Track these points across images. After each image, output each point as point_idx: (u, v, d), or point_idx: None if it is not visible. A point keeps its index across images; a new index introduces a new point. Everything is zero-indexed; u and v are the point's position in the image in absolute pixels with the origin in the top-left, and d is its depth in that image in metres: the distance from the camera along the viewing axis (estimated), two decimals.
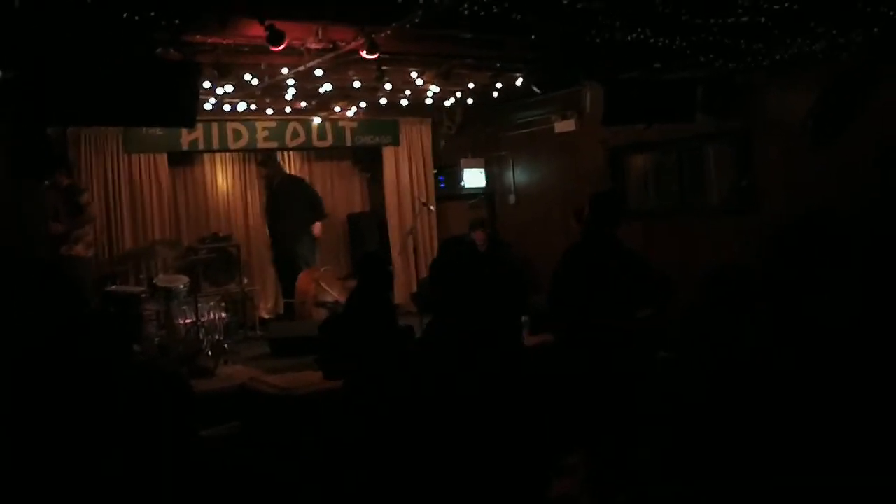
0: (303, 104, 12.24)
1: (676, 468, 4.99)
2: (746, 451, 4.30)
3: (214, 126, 12.71)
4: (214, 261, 12.45)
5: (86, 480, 3.67)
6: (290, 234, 12.63)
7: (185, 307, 10.51)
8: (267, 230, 13.20)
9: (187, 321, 10.39)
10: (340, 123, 13.83)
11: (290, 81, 10.12)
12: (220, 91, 10.23)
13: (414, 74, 10.63)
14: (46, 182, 9.96)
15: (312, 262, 12.76)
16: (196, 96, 8.32)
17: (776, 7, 7.51)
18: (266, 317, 13.63)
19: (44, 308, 3.64)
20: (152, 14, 6.99)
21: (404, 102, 12.44)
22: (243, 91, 10.59)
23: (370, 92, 11.55)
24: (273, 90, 10.79)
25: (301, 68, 9.34)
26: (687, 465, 4.77)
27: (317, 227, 12.85)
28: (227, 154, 13.78)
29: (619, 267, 6.84)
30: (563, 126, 13.46)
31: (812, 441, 4.25)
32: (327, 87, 10.45)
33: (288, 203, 12.73)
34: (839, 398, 4.33)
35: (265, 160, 13.17)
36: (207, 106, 11.02)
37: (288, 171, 13.94)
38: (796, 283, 4.97)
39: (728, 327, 4.80)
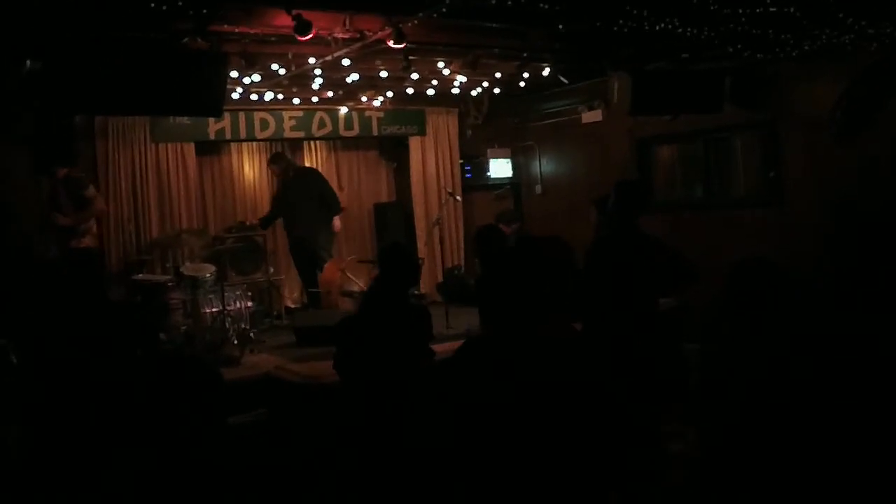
0: (329, 94, 12.25)
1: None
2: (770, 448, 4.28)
3: (241, 115, 12.74)
4: (241, 250, 12.45)
5: (117, 465, 3.69)
6: (307, 226, 12.58)
7: (211, 296, 10.53)
8: (282, 222, 13.11)
9: (213, 310, 10.41)
10: (367, 113, 13.83)
11: (317, 71, 10.12)
12: (246, 80, 10.24)
13: (440, 64, 10.61)
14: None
15: (331, 252, 12.75)
16: (223, 86, 8.33)
17: None
18: (292, 306, 13.64)
19: (64, 302, 3.67)
20: (179, 3, 7.01)
21: (431, 92, 12.43)
22: (270, 81, 10.61)
23: (397, 81, 11.56)
24: (300, 80, 10.80)
25: (328, 58, 9.34)
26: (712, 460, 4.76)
27: (336, 223, 12.83)
28: (254, 143, 13.78)
29: (643, 260, 6.82)
30: (590, 116, 13.48)
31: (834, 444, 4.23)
32: (354, 76, 10.46)
33: (303, 194, 12.66)
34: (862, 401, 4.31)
35: (274, 157, 13.07)
36: (234, 95, 11.03)
37: (301, 163, 13.94)
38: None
39: (753, 321, 4.78)
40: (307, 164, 14.08)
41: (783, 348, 4.52)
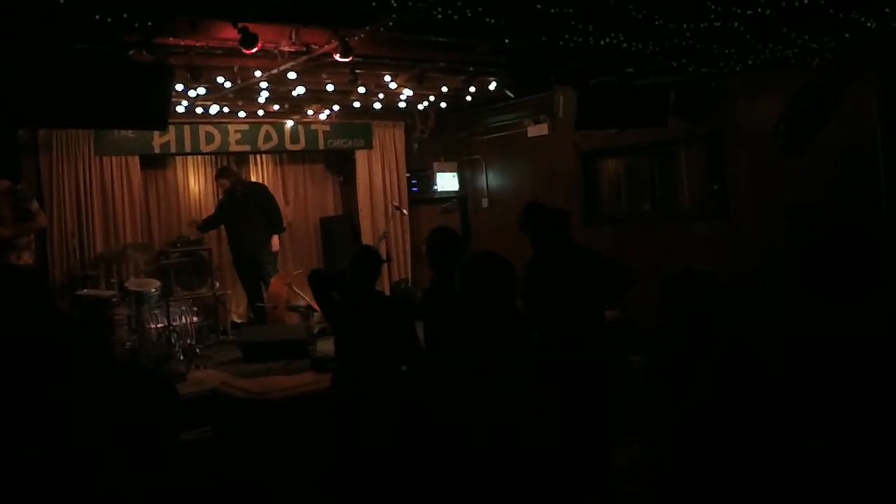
0: (275, 107, 12.22)
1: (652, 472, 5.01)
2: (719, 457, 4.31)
3: (186, 129, 12.65)
4: (186, 265, 12.36)
5: (68, 480, 3.64)
6: (254, 241, 12.55)
7: (156, 311, 10.45)
8: (226, 237, 13.04)
9: (159, 325, 10.33)
10: (313, 126, 13.79)
11: (263, 84, 10.07)
12: (192, 94, 10.19)
13: (387, 78, 10.61)
14: None
15: (276, 268, 12.72)
16: (168, 99, 8.28)
17: (748, 12, 7.55)
18: (238, 321, 13.55)
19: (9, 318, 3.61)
20: (124, 16, 6.96)
21: (377, 106, 12.42)
22: (216, 94, 10.55)
23: (343, 95, 11.54)
24: (246, 93, 10.75)
25: (274, 71, 9.31)
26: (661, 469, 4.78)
27: (275, 242, 12.79)
28: (199, 157, 13.71)
29: (580, 273, 6.88)
30: (536, 130, 13.53)
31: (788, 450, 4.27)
32: (300, 90, 10.43)
33: (250, 210, 12.62)
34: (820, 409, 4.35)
35: (222, 172, 12.96)
36: (179, 108, 10.98)
37: (247, 177, 13.94)
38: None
39: (692, 333, 4.81)
40: (253, 178, 14.05)
41: (724, 358, 4.56)
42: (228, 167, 13.23)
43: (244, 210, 12.55)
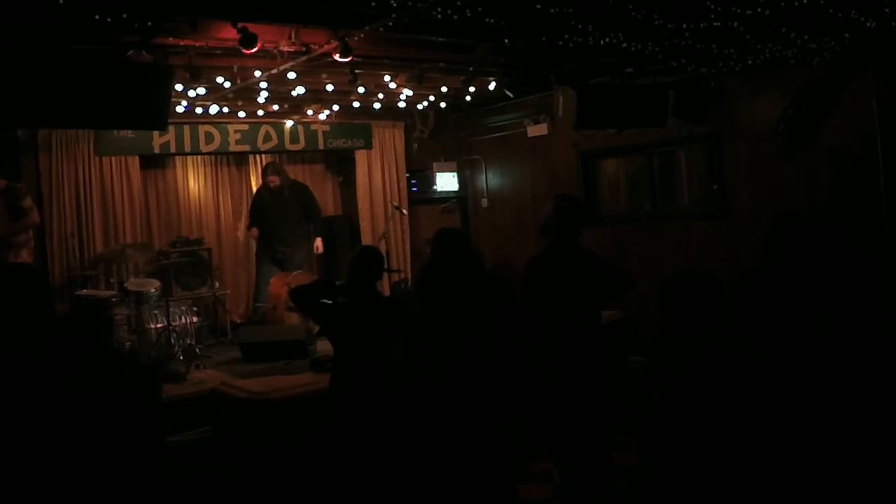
0: (275, 107, 12.20)
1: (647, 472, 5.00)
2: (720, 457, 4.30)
3: (186, 129, 12.65)
4: (186, 265, 12.36)
5: (48, 482, 3.63)
6: (287, 239, 12.65)
7: (156, 311, 10.46)
8: (257, 232, 13.06)
9: (158, 326, 10.34)
10: (313, 127, 13.80)
11: (263, 84, 10.07)
12: (191, 94, 10.18)
13: (387, 78, 10.60)
14: None
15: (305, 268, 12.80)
16: (168, 99, 8.27)
17: (748, 12, 7.54)
18: (238, 321, 13.56)
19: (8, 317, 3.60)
20: (124, 16, 6.95)
21: (377, 106, 12.41)
22: (215, 94, 10.54)
23: (343, 95, 11.54)
24: (245, 93, 10.74)
25: (274, 71, 9.31)
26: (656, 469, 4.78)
27: (318, 244, 13.04)
28: (199, 157, 13.71)
29: (581, 273, 6.86)
30: (536, 130, 13.54)
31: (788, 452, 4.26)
32: (300, 90, 10.42)
33: (291, 208, 12.72)
34: (819, 407, 4.34)
35: (275, 169, 12.94)
36: (179, 108, 10.97)
37: (247, 177, 14.07)
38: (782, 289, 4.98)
39: (691, 336, 4.81)
40: (252, 178, 14.09)
41: (723, 358, 4.56)
42: (278, 164, 13.27)
43: (284, 208, 12.64)
